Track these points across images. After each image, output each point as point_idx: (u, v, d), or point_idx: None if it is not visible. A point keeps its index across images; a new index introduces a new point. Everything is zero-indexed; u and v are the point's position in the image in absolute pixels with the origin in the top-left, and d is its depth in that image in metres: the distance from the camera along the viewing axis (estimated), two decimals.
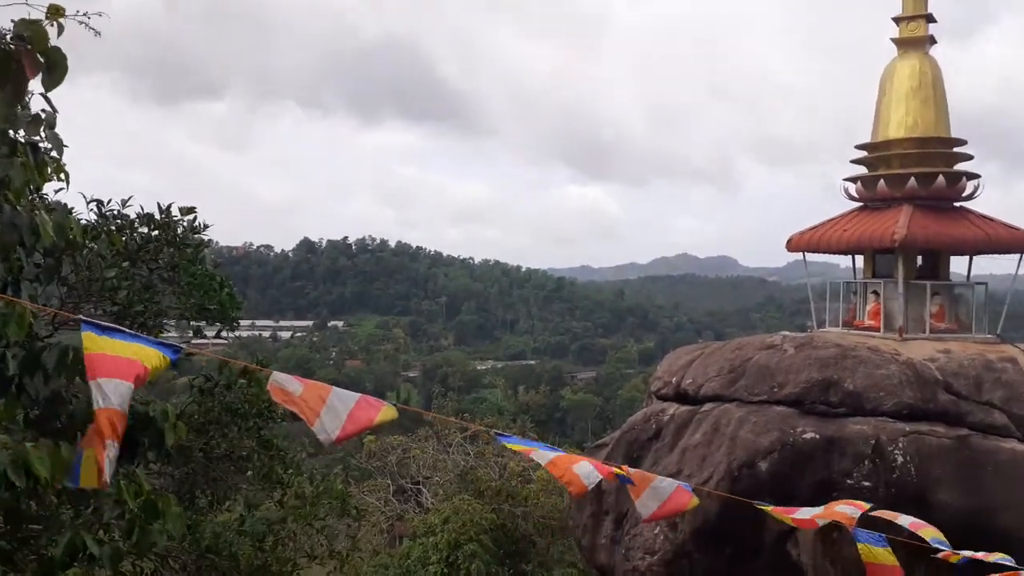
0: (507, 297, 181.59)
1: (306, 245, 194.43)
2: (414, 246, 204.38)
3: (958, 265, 14.53)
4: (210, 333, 9.48)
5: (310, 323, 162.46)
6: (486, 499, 23.02)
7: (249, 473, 9.53)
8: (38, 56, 3.95)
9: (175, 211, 9.02)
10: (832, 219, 14.91)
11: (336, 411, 5.02)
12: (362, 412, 5.12)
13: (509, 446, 6.87)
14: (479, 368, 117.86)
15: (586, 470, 6.37)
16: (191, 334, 9.42)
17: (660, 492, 6.88)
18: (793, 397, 11.87)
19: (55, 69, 4.00)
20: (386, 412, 5.24)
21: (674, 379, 14.18)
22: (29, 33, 3.89)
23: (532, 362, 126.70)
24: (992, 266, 14.89)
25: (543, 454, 6.65)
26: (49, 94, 4.17)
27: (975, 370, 11.73)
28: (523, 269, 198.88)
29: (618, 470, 6.87)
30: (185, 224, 9.04)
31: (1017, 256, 13.80)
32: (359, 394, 5.25)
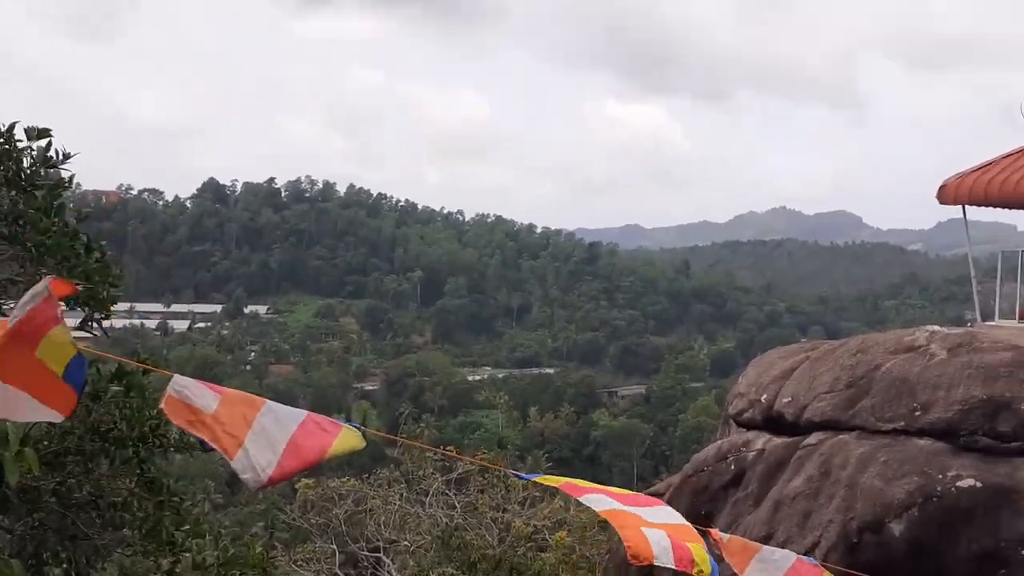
0: (514, 272, 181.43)
1: (212, 190, 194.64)
2: (375, 193, 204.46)
3: None
4: (71, 320, 9.44)
5: (217, 308, 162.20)
6: (479, 574, 23.18)
7: (126, 529, 9.53)
8: None
9: (18, 133, 8.84)
10: (1008, 155, 14.97)
11: (270, 438, 4.90)
12: (309, 439, 5.00)
13: (542, 481, 6.72)
14: (470, 379, 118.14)
15: (660, 540, 6.29)
16: None
17: (771, 569, 6.82)
18: (944, 425, 11.98)
19: None
20: (345, 439, 5.14)
21: (764, 397, 14.28)
22: None
23: (550, 370, 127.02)
24: None
25: (602, 499, 6.54)
26: None
27: None
28: (539, 230, 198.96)
29: (707, 536, 6.79)
30: (34, 155, 8.88)
31: None
32: (304, 411, 5.20)
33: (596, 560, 21.67)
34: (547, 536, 24.66)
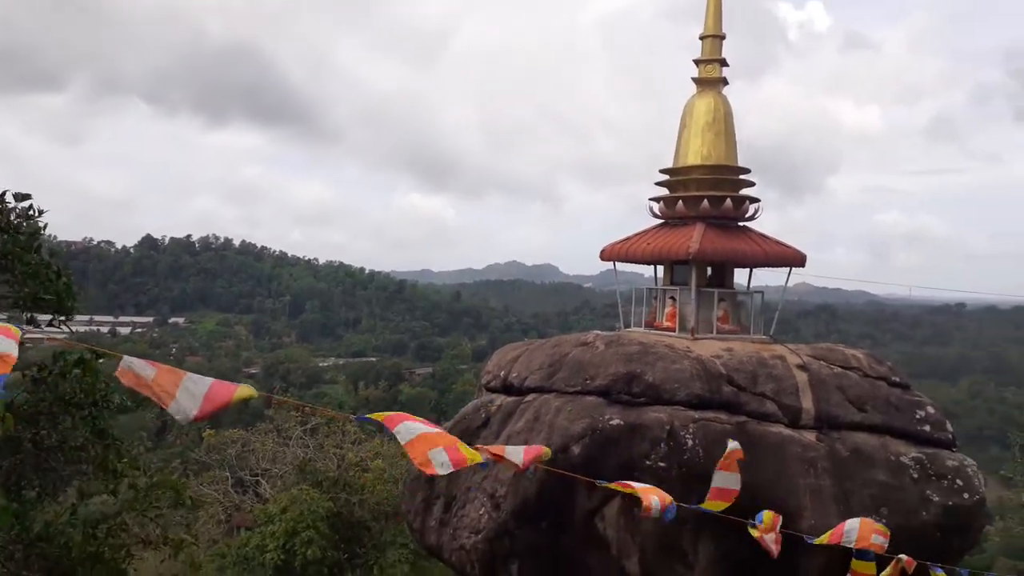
0: (350, 298, 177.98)
1: (148, 242, 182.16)
2: (259, 246, 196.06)
3: (741, 276, 15.75)
4: (45, 322, 8.71)
5: (150, 319, 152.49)
6: (324, 489, 22.54)
7: (83, 465, 8.82)
8: None
9: (9, 198, 8.27)
10: (639, 233, 15.72)
11: (192, 393, 4.82)
12: (218, 392, 4.94)
13: (374, 416, 6.48)
14: (321, 365, 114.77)
15: (440, 459, 6.24)
16: (25, 324, 8.62)
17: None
18: (602, 388, 12.40)
19: None
20: (243, 390, 5.09)
21: (502, 373, 14.47)
22: None
23: (373, 359, 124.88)
24: (768, 277, 16.25)
25: (409, 428, 6.41)
26: None
27: (752, 366, 12.73)
28: (366, 271, 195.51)
29: (473, 455, 6.55)
30: (19, 211, 8.28)
31: (787, 270, 15.14)
32: (212, 378, 5.07)
33: (400, 476, 21.45)
34: (368, 463, 24.23)
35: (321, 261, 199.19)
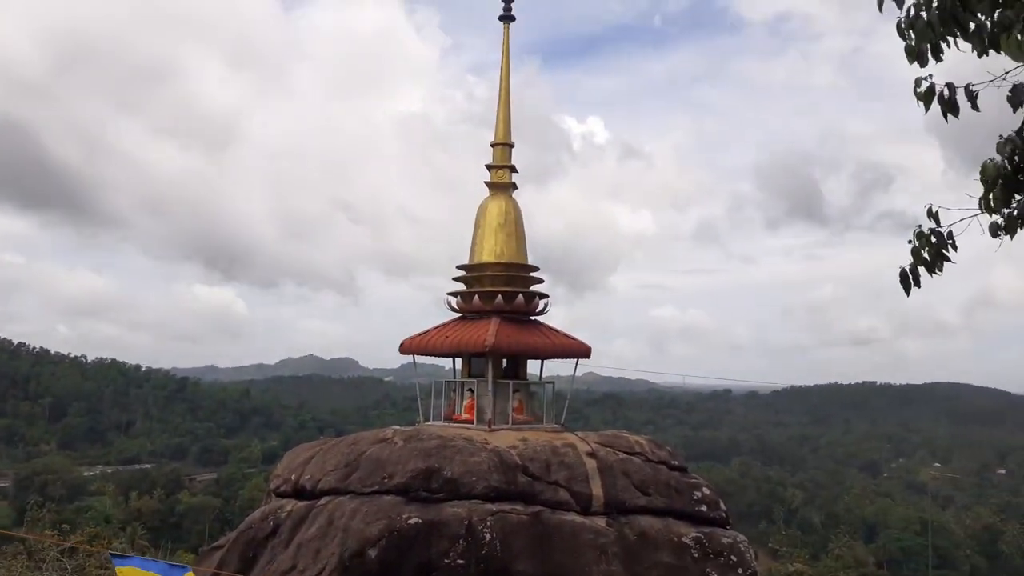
0: (123, 398, 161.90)
1: None
2: (15, 342, 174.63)
3: (534, 367, 16.33)
4: None
5: None
6: None
7: None
8: None
9: None
10: (438, 326, 15.92)
11: None
12: None
13: (120, 570, 5.98)
14: (86, 474, 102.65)
15: None
16: None
17: None
18: (401, 486, 12.18)
19: None
20: None
21: (293, 476, 13.78)
22: None
23: (148, 466, 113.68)
24: (558, 368, 16.97)
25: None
26: None
27: (545, 455, 13.10)
28: (143, 368, 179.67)
29: None
30: None
31: (575, 361, 15.92)
32: None
33: None
34: None
35: (91, 358, 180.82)
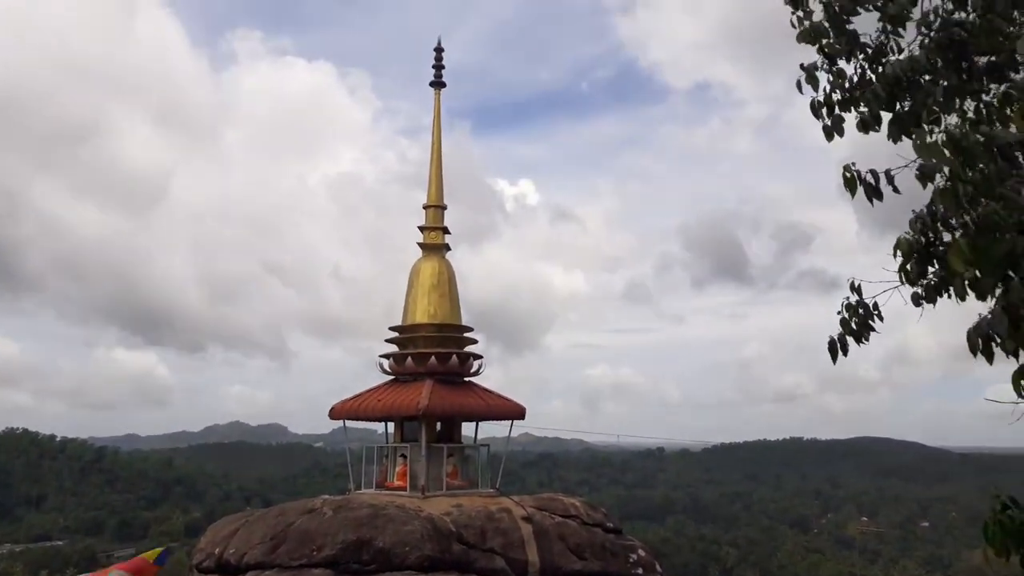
0: (35, 471, 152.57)
1: None
2: None
3: (469, 429, 16.11)
4: None
5: None
6: None
7: None
8: None
9: None
10: (369, 390, 15.62)
11: None
12: None
13: None
14: None
15: None
16: None
17: None
18: (330, 559, 11.75)
19: None
20: None
21: (217, 550, 13.14)
22: None
23: (60, 542, 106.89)
24: (493, 429, 16.79)
25: None
26: None
27: (480, 521, 12.84)
28: (57, 439, 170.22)
29: None
30: None
31: (510, 422, 15.78)
32: None
33: None
34: None
35: (0, 429, 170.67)
